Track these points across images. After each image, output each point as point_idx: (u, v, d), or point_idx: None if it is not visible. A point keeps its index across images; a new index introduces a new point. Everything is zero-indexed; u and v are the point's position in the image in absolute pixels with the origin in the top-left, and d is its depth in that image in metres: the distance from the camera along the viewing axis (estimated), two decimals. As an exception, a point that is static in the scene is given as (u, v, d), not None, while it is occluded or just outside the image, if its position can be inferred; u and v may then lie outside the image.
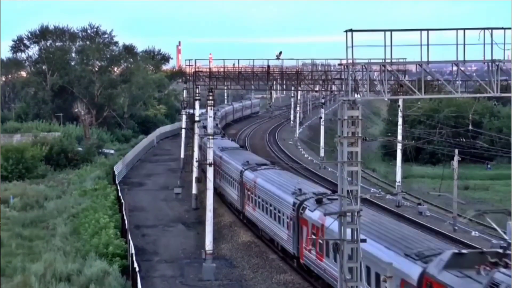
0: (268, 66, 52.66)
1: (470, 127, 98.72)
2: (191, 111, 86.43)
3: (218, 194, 74.88)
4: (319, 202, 47.16)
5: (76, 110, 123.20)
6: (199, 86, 69.53)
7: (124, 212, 63.57)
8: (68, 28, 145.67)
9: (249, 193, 63.50)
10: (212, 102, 55.67)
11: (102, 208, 66.16)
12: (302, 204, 48.94)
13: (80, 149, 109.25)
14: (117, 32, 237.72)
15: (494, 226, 35.25)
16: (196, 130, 75.31)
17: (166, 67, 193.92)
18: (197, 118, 75.38)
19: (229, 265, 53.12)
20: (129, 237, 53.64)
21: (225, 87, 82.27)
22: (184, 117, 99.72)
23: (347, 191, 29.33)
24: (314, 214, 46.17)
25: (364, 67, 29.30)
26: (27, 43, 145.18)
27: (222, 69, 65.06)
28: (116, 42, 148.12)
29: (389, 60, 28.32)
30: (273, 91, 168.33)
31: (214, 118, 57.74)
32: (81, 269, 46.62)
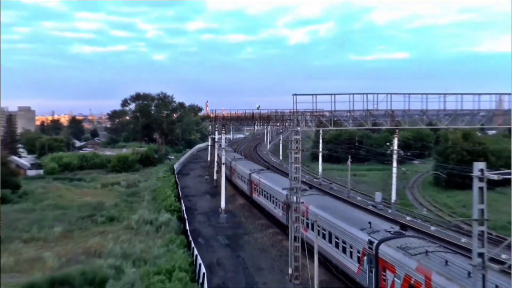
0: (253, 113, 52.56)
1: (357, 143, 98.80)
2: (213, 136, 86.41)
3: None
4: (259, 172, 55.14)
5: (154, 136, 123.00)
6: (217, 123, 69.68)
7: (178, 189, 63.50)
8: (150, 93, 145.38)
9: (233, 171, 68.69)
10: (224, 131, 55.95)
11: (168, 186, 66.08)
12: (252, 173, 55.61)
13: (156, 156, 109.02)
14: (175, 95, 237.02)
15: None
16: (216, 146, 75.21)
17: (200, 113, 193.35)
18: (216, 140, 75.44)
19: (233, 216, 52.93)
20: (182, 201, 53.61)
21: (231, 124, 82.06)
22: (210, 139, 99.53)
23: (294, 177, 29.42)
24: (255, 176, 53.47)
25: (302, 114, 29.47)
26: (129, 101, 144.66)
27: (229, 115, 65.02)
28: (175, 101, 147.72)
29: (315, 110, 28.51)
30: (255, 126, 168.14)
31: (225, 139, 57.76)
32: (157, 218, 46.52)
